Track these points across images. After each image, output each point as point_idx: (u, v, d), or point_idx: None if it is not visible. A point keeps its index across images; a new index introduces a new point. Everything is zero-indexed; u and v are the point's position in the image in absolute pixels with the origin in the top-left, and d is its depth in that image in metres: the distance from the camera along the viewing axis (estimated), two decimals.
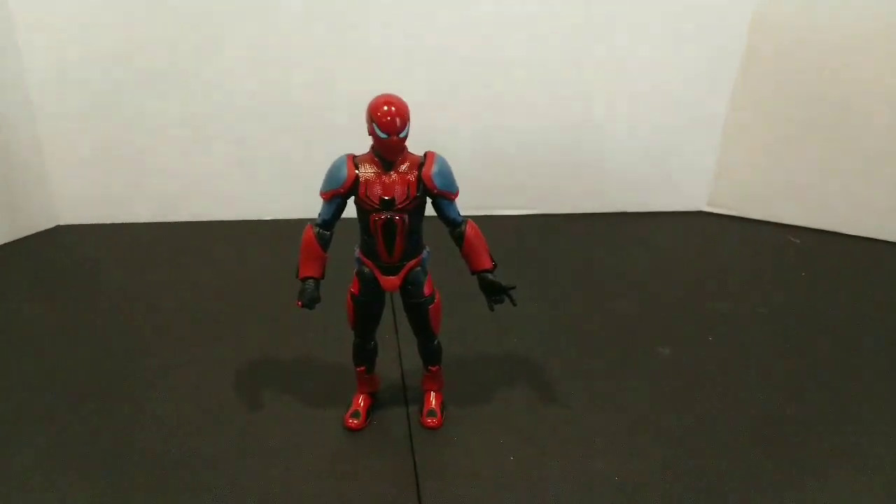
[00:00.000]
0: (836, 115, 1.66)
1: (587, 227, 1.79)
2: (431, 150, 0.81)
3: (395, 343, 1.15)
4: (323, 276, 0.83)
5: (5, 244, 1.56)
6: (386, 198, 0.77)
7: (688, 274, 1.51)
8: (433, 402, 0.96)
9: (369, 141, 0.79)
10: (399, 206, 0.78)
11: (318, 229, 0.81)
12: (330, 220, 0.82)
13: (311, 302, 0.80)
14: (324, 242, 0.81)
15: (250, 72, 1.63)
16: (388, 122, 0.74)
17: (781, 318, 1.28)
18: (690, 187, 1.89)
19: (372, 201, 0.78)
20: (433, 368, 0.95)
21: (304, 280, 0.82)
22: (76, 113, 1.61)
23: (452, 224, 0.83)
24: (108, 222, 1.72)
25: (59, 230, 1.69)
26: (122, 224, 1.72)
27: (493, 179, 1.78)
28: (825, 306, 1.33)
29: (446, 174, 0.80)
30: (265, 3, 1.57)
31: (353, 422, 0.93)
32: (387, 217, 0.78)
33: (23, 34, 1.52)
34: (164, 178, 1.71)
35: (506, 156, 1.78)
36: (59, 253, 1.55)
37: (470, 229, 0.82)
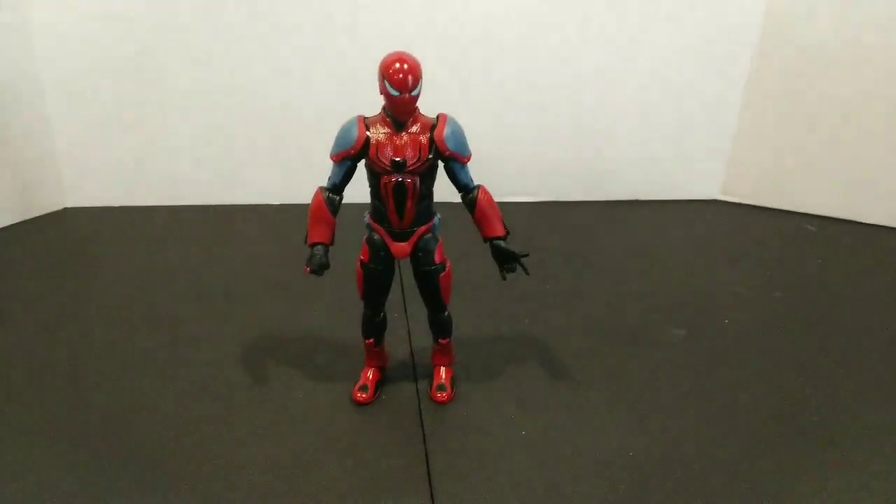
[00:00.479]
0: (850, 103, 1.63)
1: (602, 215, 1.76)
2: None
3: (405, 321, 1.13)
4: (332, 242, 0.81)
5: (13, 225, 1.56)
6: (397, 159, 0.75)
7: (703, 260, 1.48)
8: (443, 377, 0.94)
9: None
10: (410, 168, 0.76)
11: (327, 193, 0.79)
12: (339, 184, 0.80)
13: (319, 268, 0.78)
14: (333, 207, 0.79)
15: (258, 58, 1.62)
16: (401, 79, 0.72)
17: (796, 303, 1.25)
18: (705, 176, 1.86)
19: (383, 163, 0.76)
20: (443, 341, 0.92)
21: (312, 246, 0.80)
22: (85, 97, 1.61)
23: (465, 189, 0.81)
24: (115, 205, 1.72)
25: (67, 212, 1.68)
26: (129, 207, 1.72)
27: (507, 166, 1.76)
28: (840, 292, 1.30)
29: (459, 136, 0.78)
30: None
31: (362, 395, 0.91)
32: (398, 180, 0.76)
33: (35, 19, 1.52)
34: (171, 162, 1.70)
35: (520, 143, 1.77)
36: (66, 235, 1.55)
37: (482, 195, 0.80)
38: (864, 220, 1.69)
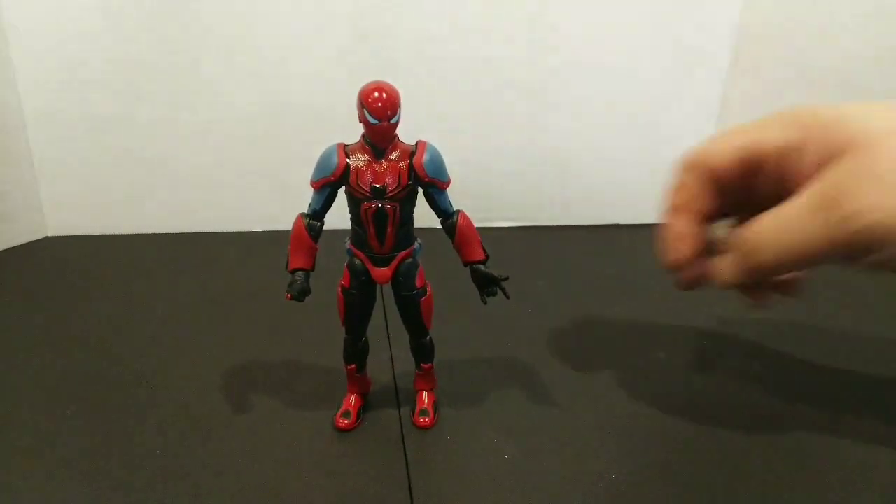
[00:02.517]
0: None
1: (582, 239, 1.78)
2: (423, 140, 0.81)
3: (387, 346, 1.13)
4: (313, 268, 0.82)
5: None
6: (377, 185, 0.76)
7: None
8: (426, 402, 0.94)
9: None
10: (390, 194, 0.77)
11: (308, 219, 0.80)
12: (320, 210, 0.81)
13: (300, 294, 0.79)
14: (314, 233, 0.80)
15: (243, 84, 1.63)
16: (379, 107, 0.73)
17: (782, 324, 1.27)
18: None
19: (363, 189, 0.77)
20: (425, 366, 0.93)
21: (293, 272, 0.80)
22: (66, 124, 1.60)
23: (444, 214, 0.82)
24: (96, 234, 1.71)
25: (47, 241, 1.67)
26: (111, 235, 1.70)
27: (486, 191, 1.78)
28: (828, 308, 1.32)
29: (437, 163, 0.79)
30: (264, 14, 1.58)
31: (344, 422, 0.91)
32: (378, 206, 0.77)
33: (14, 44, 1.52)
34: (153, 190, 1.70)
35: (500, 168, 1.78)
36: (47, 264, 1.53)
37: (462, 220, 0.82)
38: None
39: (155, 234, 1.72)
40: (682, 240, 0.81)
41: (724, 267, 0.76)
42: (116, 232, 1.72)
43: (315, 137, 1.61)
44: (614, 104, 1.78)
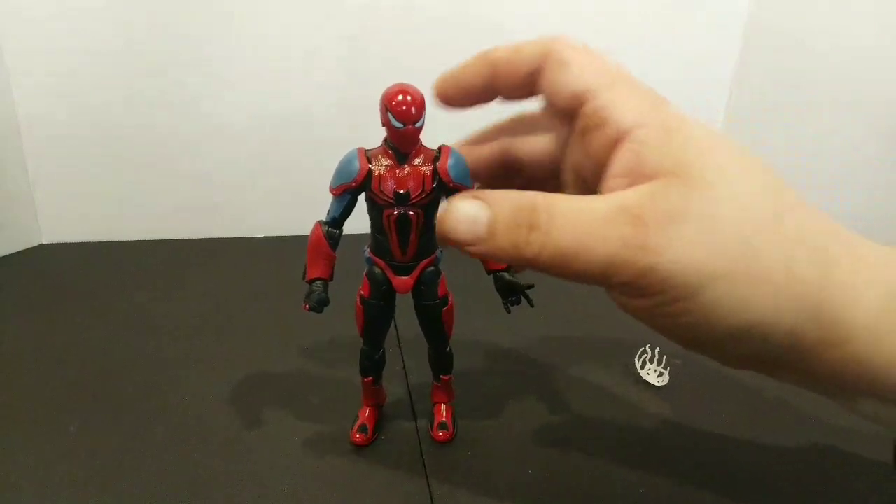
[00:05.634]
0: (833, 124, 1.67)
1: None
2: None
3: (400, 356, 1.10)
4: (331, 278, 0.78)
5: None
6: (400, 191, 0.73)
7: None
8: (444, 414, 0.91)
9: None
10: (413, 201, 0.74)
11: (327, 227, 0.77)
12: (339, 218, 0.77)
13: (319, 304, 0.76)
14: (333, 241, 0.77)
15: (242, 89, 1.60)
16: (404, 111, 0.71)
17: None
18: None
19: (386, 195, 0.74)
20: (444, 378, 0.90)
21: (311, 282, 0.77)
22: (61, 129, 1.56)
23: None
24: (92, 241, 1.66)
25: (42, 249, 1.62)
26: (108, 242, 1.66)
27: None
28: None
29: (462, 167, 0.76)
30: (264, 18, 1.55)
31: (361, 437, 0.87)
32: (401, 212, 0.74)
33: (7, 49, 1.48)
34: (150, 196, 1.66)
35: None
36: (42, 272, 1.49)
37: None
38: None
39: (153, 241, 1.67)
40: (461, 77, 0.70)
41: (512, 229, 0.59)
42: (113, 239, 1.67)
43: (318, 142, 1.63)
44: None
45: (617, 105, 0.61)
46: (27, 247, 1.61)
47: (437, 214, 0.60)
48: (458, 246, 0.59)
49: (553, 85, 0.64)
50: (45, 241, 1.65)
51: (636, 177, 0.57)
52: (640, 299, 0.56)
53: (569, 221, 0.56)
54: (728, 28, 1.72)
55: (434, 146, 0.77)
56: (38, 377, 1.04)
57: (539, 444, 0.89)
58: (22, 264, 1.53)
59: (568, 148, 0.69)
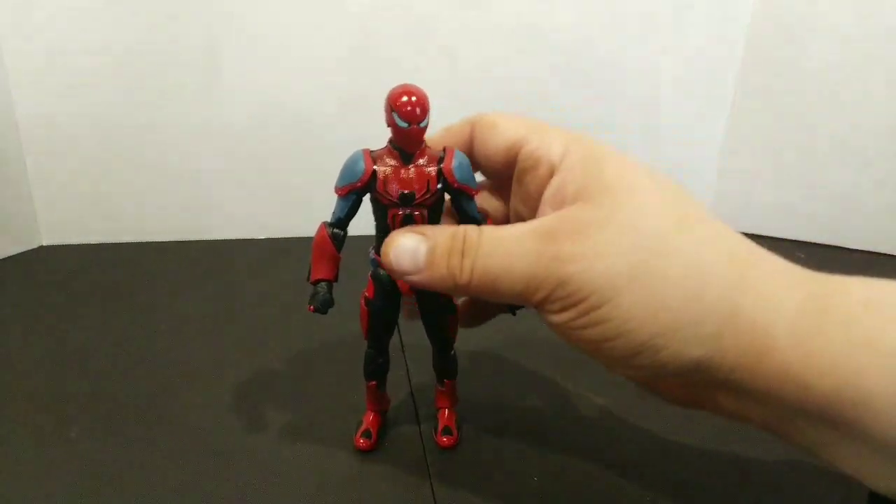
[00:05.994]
0: (837, 130, 1.66)
1: None
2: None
3: (403, 361, 1.09)
4: (336, 279, 0.77)
5: None
6: (405, 192, 0.72)
7: None
8: (449, 419, 0.89)
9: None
10: (419, 201, 0.73)
11: (331, 228, 0.76)
12: (344, 218, 0.76)
13: (323, 305, 0.75)
14: (338, 242, 0.76)
15: (245, 88, 1.59)
16: (409, 111, 0.69)
17: None
18: None
19: (391, 196, 0.73)
20: (448, 382, 0.89)
21: (315, 283, 0.76)
22: (61, 128, 1.55)
23: (473, 222, 0.78)
24: (93, 242, 1.65)
25: (42, 251, 1.61)
26: (109, 244, 1.65)
27: None
28: None
29: (466, 169, 0.75)
30: (263, 20, 1.55)
31: (365, 442, 0.86)
32: (406, 213, 0.73)
33: (6, 46, 1.47)
34: (152, 197, 1.65)
35: None
36: (42, 275, 1.48)
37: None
38: (853, 247, 1.70)
39: (155, 243, 1.67)
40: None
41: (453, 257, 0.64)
42: (115, 240, 1.66)
43: (322, 144, 1.62)
44: (622, 106, 1.76)
45: (546, 144, 0.68)
46: (27, 248, 1.60)
47: (382, 247, 0.68)
48: (401, 276, 0.66)
49: (487, 145, 0.73)
50: (45, 243, 1.64)
51: (560, 203, 0.63)
52: (563, 313, 0.59)
53: (493, 245, 0.62)
54: (733, 22, 1.71)
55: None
56: (39, 381, 1.03)
57: (545, 451, 0.87)
58: (22, 266, 1.52)
59: (510, 203, 0.76)
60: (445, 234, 0.65)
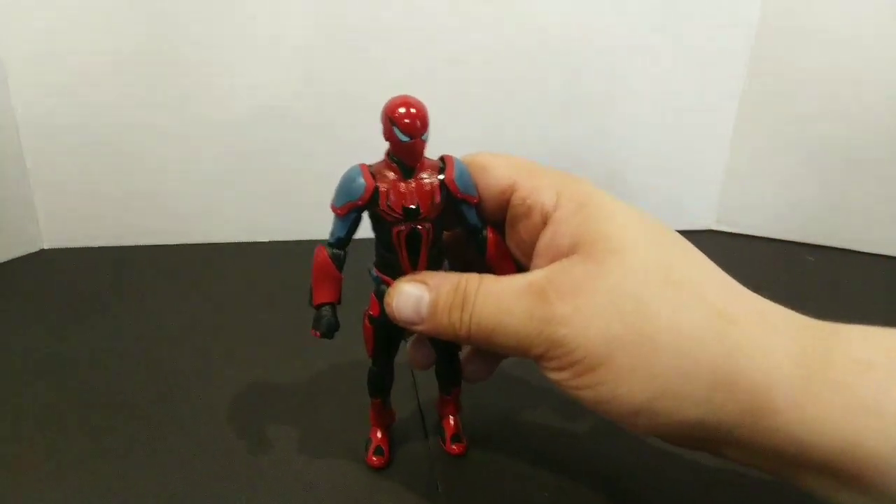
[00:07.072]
0: (845, 132, 1.63)
1: None
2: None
3: (411, 372, 1.07)
4: (340, 301, 0.75)
5: None
6: (410, 206, 0.70)
7: None
8: (456, 427, 0.89)
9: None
10: (423, 215, 0.71)
11: (331, 250, 0.74)
12: (345, 238, 0.74)
13: (329, 330, 0.73)
14: (339, 263, 0.74)
15: (245, 91, 1.57)
16: (409, 123, 0.67)
17: None
18: (699, 206, 1.85)
19: (394, 211, 0.71)
20: (455, 390, 0.88)
21: (318, 307, 0.74)
22: (62, 130, 1.54)
23: (475, 230, 0.76)
24: (95, 246, 1.64)
25: (43, 254, 1.60)
26: (111, 247, 1.64)
27: None
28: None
29: (467, 177, 0.73)
30: (264, 22, 1.52)
31: (378, 459, 0.85)
32: (410, 228, 0.71)
33: (5, 47, 1.45)
34: (154, 199, 1.64)
35: None
36: (43, 279, 1.47)
37: (492, 234, 0.76)
38: (863, 250, 1.68)
39: (157, 246, 1.65)
40: None
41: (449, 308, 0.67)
42: (116, 244, 1.65)
43: (325, 147, 1.60)
44: (626, 107, 1.74)
45: (538, 191, 0.68)
46: (27, 252, 1.59)
47: (385, 296, 0.70)
48: (405, 325, 0.69)
49: (478, 188, 0.72)
50: (46, 247, 1.63)
51: (554, 255, 0.63)
52: (560, 372, 0.60)
53: (488, 300, 0.63)
54: (740, 26, 1.68)
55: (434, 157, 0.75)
56: (41, 387, 1.02)
57: (554, 464, 0.86)
58: (22, 270, 1.51)
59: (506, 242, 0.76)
60: (448, 286, 0.66)
